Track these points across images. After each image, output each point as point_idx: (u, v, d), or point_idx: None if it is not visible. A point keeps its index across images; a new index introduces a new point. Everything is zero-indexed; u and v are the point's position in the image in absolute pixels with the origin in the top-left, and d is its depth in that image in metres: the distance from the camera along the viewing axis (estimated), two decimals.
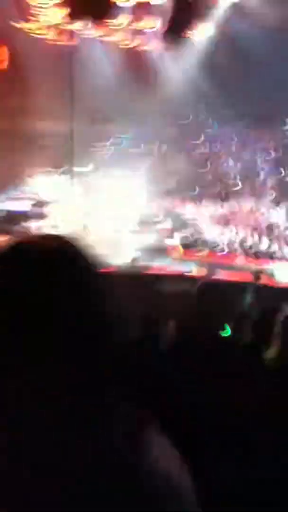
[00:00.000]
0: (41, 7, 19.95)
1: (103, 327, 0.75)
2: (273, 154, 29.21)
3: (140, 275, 10.71)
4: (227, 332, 3.53)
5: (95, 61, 25.92)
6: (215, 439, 1.71)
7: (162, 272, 11.92)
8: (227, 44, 25.98)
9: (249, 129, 30.76)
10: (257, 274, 11.03)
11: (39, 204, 17.33)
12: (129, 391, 0.80)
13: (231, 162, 28.11)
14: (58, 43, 22.03)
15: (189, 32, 22.23)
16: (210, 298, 2.14)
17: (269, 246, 16.50)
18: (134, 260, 11.64)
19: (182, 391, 1.82)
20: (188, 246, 16.29)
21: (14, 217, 16.16)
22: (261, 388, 1.94)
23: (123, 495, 0.65)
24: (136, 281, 10.24)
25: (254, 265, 13.82)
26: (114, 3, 7.79)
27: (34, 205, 17.21)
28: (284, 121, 32.02)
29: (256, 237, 17.61)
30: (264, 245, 16.69)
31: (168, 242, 15.83)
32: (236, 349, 3.13)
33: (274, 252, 15.87)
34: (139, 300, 7.99)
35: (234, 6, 23.37)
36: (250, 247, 16.40)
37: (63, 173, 15.21)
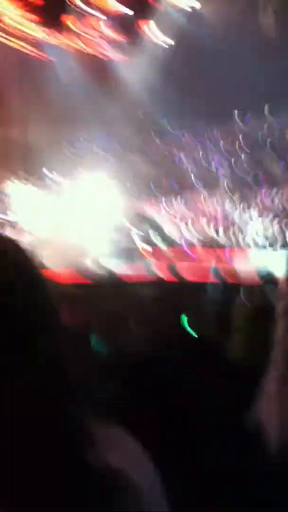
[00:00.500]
0: (5, 14, 19.95)
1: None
2: (222, 145, 29.90)
3: (113, 281, 11.01)
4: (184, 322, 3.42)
5: (59, 67, 26.12)
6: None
7: (135, 276, 12.17)
8: (184, 49, 26.79)
9: (201, 124, 31.50)
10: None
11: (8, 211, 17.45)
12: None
13: (183, 158, 28.73)
14: (21, 50, 22.11)
15: (147, 37, 22.62)
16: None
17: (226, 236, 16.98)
18: (105, 266, 11.98)
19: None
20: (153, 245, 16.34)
21: None
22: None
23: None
24: (111, 288, 10.60)
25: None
26: (75, 10, 8.17)
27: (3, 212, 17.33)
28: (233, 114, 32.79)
29: (212, 228, 18.02)
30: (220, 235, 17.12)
31: (139, 244, 15.93)
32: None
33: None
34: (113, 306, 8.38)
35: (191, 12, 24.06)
36: (208, 239, 16.77)
37: (30, 180, 15.41)
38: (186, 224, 19.08)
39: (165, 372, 1.94)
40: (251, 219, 18.79)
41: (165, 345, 2.48)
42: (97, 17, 21.15)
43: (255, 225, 18.02)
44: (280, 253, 14.62)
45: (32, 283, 0.74)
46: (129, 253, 15.40)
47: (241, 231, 17.60)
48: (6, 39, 21.46)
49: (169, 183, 26.89)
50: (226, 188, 25.85)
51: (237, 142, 30.35)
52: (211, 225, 18.52)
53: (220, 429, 1.68)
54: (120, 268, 13.26)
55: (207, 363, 2.14)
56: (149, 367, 2.01)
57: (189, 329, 3.45)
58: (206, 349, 2.81)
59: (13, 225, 16.04)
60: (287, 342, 1.44)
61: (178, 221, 19.47)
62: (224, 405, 1.77)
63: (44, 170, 21.87)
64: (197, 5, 23.63)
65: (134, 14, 8.95)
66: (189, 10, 24.33)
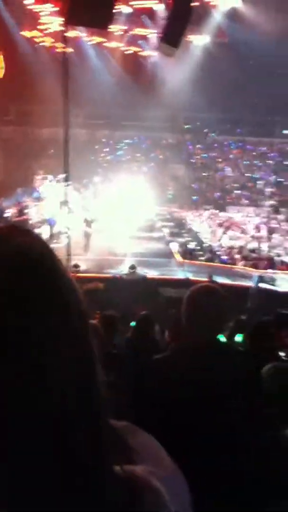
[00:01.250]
0: (39, 15, 20.23)
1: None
2: (270, 161, 29.43)
3: (139, 280, 10.76)
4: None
5: (94, 68, 26.22)
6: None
7: (162, 278, 11.93)
8: (224, 51, 26.33)
9: (246, 136, 31.26)
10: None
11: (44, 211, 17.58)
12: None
13: (228, 169, 28.29)
14: (56, 50, 22.37)
15: (186, 39, 22.30)
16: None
17: (269, 252, 16.43)
18: (133, 266, 11.67)
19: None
20: (188, 252, 16.26)
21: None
22: None
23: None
24: (135, 286, 10.31)
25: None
26: (112, 10, 7.84)
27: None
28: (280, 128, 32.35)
29: (255, 243, 17.58)
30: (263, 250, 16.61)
31: (169, 248, 15.84)
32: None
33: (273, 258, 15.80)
34: (139, 304, 8.10)
35: (231, 13, 23.55)
36: (251, 252, 16.32)
37: (64, 180, 15.28)
38: (226, 234, 18.70)
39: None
40: None
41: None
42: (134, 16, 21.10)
43: None
44: None
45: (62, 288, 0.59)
46: (166, 257, 15.24)
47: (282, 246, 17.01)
48: (41, 41, 21.79)
49: (212, 194, 26.39)
50: (271, 203, 25.38)
51: (286, 159, 29.76)
52: (253, 238, 18.06)
53: None
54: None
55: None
56: None
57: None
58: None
59: (50, 224, 16.09)
60: None
61: (219, 232, 19.07)
62: None
63: (84, 172, 21.86)
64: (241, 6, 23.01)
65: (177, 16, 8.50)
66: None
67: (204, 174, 28.36)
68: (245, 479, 1.70)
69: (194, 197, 26.14)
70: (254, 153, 30.47)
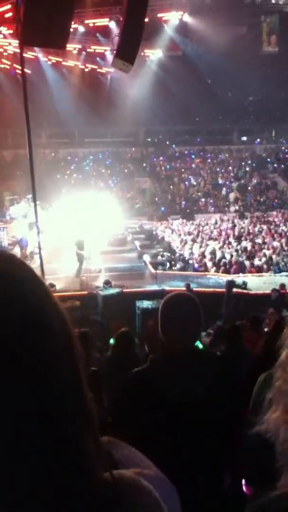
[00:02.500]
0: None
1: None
2: (230, 167, 30.01)
3: (115, 295, 10.76)
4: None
5: (53, 87, 26.28)
6: None
7: (138, 291, 11.96)
8: (179, 64, 26.86)
9: (206, 145, 31.87)
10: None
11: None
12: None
13: (192, 179, 28.70)
14: (14, 71, 22.34)
15: (141, 54, 22.66)
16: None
17: (238, 256, 16.66)
18: (108, 281, 11.67)
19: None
20: (161, 263, 16.35)
21: None
22: None
23: None
24: (112, 301, 10.31)
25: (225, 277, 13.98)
26: (67, 29, 7.95)
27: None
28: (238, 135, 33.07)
29: (224, 249, 17.81)
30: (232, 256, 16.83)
31: (143, 260, 15.89)
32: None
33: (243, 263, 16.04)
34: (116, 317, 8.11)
35: (182, 26, 24.14)
36: (220, 259, 16.53)
37: (31, 200, 15.23)
38: (195, 242, 18.93)
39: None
40: (263, 242, 18.50)
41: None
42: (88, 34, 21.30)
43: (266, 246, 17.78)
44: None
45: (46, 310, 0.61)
46: (140, 270, 15.27)
47: (251, 251, 17.30)
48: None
49: (179, 204, 26.64)
50: (236, 209, 25.85)
51: (246, 165, 30.39)
52: (221, 244, 18.33)
53: None
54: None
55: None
56: None
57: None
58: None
59: (22, 245, 15.93)
60: None
61: (188, 240, 19.28)
62: None
63: (51, 191, 21.81)
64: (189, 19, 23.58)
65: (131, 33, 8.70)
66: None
67: (169, 185, 28.71)
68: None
69: (162, 208, 26.42)
70: (215, 161, 31.08)
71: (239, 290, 12.40)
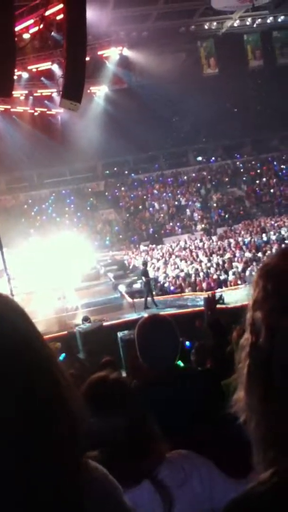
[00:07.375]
0: None
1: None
2: (190, 188, 30.54)
3: (96, 330, 10.66)
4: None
5: (5, 134, 26.43)
6: None
7: (118, 322, 11.90)
8: (125, 96, 27.53)
9: (164, 170, 32.47)
10: None
11: None
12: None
13: (155, 204, 29.06)
14: None
15: (87, 91, 23.09)
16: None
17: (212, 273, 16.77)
18: (86, 317, 11.58)
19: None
20: (136, 291, 16.32)
21: None
22: None
23: None
24: (93, 336, 10.20)
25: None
26: (11, 77, 8.10)
27: None
28: (193, 156, 33.82)
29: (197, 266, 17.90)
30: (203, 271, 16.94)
31: (118, 291, 15.85)
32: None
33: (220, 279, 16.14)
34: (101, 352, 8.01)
35: (122, 61, 24.90)
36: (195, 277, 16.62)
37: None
38: (168, 265, 19.01)
39: None
40: (233, 255, 18.70)
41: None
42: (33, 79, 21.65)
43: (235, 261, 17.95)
44: None
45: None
46: (117, 301, 15.21)
47: (223, 266, 17.46)
48: None
49: (147, 231, 26.85)
50: (202, 227, 26.23)
51: (206, 184, 31.02)
52: (193, 262, 18.46)
53: None
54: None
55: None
56: None
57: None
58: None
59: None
60: None
61: (161, 264, 19.34)
62: None
63: (17, 236, 21.67)
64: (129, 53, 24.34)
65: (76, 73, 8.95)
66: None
67: (134, 213, 28.96)
68: None
69: (132, 238, 26.57)
70: (175, 184, 31.62)
71: (217, 306, 12.43)
